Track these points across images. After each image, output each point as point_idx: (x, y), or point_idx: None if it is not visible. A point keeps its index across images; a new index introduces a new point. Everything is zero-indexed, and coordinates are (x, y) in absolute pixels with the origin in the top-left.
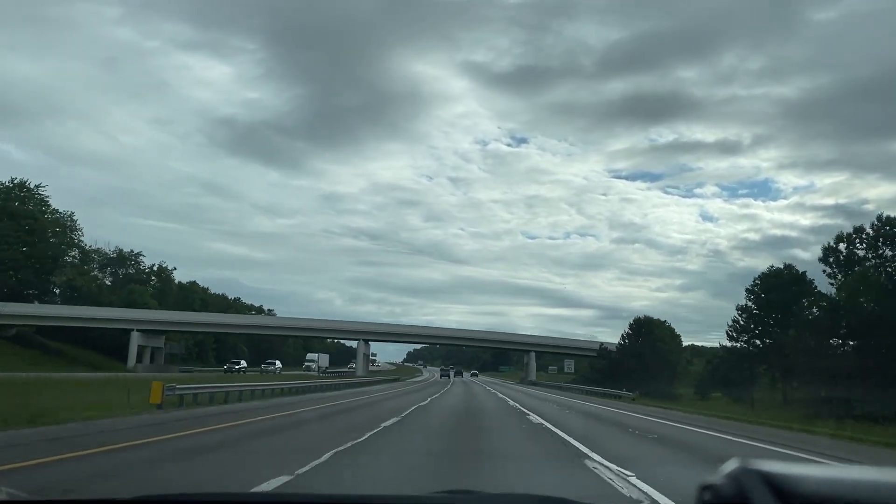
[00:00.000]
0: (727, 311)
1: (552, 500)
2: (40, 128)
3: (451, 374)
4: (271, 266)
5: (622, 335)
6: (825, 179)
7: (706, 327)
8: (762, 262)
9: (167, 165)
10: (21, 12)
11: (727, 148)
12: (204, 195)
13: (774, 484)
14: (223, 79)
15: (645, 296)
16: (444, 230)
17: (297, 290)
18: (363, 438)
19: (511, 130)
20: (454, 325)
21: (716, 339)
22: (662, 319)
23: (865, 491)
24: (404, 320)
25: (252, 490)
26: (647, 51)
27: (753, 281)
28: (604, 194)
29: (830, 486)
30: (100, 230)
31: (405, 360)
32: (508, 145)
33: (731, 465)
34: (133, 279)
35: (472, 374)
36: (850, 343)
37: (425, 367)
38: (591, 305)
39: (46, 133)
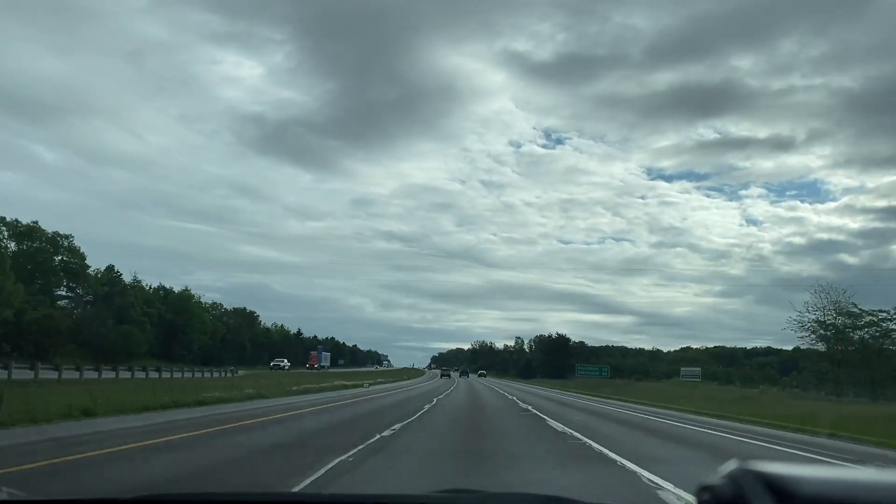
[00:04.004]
0: (771, 317)
1: (553, 500)
2: (68, 127)
3: (455, 375)
4: (302, 270)
5: None
6: (882, 178)
7: (749, 334)
8: (806, 268)
9: (196, 166)
10: (46, 2)
11: (780, 144)
12: (234, 197)
13: (772, 484)
14: (252, 73)
15: (686, 301)
16: (477, 234)
17: (328, 296)
18: None
19: (548, 129)
20: (485, 332)
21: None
22: None
23: (864, 492)
24: (436, 326)
25: None
26: (699, 37)
27: None
28: (642, 197)
29: (829, 487)
30: (128, 232)
31: (429, 365)
32: (544, 146)
33: (729, 466)
34: None
35: (480, 375)
36: None
37: (431, 369)
38: (629, 311)
39: (75, 132)
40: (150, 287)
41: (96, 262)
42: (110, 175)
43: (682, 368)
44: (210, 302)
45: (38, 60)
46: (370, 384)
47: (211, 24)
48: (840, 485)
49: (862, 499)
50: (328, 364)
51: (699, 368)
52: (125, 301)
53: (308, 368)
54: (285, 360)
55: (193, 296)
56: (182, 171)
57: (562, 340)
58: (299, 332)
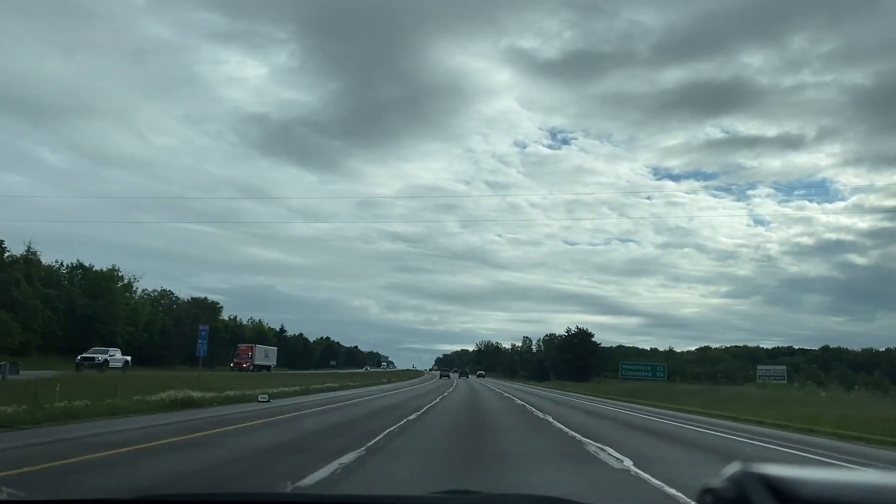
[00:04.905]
0: (779, 317)
1: (553, 500)
2: (72, 128)
3: (455, 376)
4: (307, 272)
5: None
6: (892, 177)
7: (756, 335)
8: (814, 268)
9: (200, 167)
10: (48, 3)
11: (789, 143)
12: (239, 198)
13: (775, 487)
14: (256, 73)
15: (693, 301)
16: (482, 235)
17: (333, 298)
18: None
19: (554, 128)
20: (490, 334)
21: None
22: None
23: (868, 495)
24: (441, 328)
25: None
26: (708, 34)
27: None
28: (648, 197)
29: (832, 490)
30: (132, 234)
31: (432, 367)
32: (549, 146)
33: (732, 468)
34: None
35: (479, 375)
36: None
37: (433, 370)
38: (635, 313)
39: (78, 133)
40: (61, 264)
41: (97, 263)
42: (114, 176)
43: (760, 367)
44: (159, 290)
45: (40, 61)
46: (268, 397)
47: (213, 23)
48: (842, 487)
49: (864, 501)
50: (274, 362)
51: (784, 367)
52: (5, 278)
53: (233, 369)
54: (114, 352)
55: (119, 277)
56: (186, 172)
57: (582, 337)
58: (282, 329)
